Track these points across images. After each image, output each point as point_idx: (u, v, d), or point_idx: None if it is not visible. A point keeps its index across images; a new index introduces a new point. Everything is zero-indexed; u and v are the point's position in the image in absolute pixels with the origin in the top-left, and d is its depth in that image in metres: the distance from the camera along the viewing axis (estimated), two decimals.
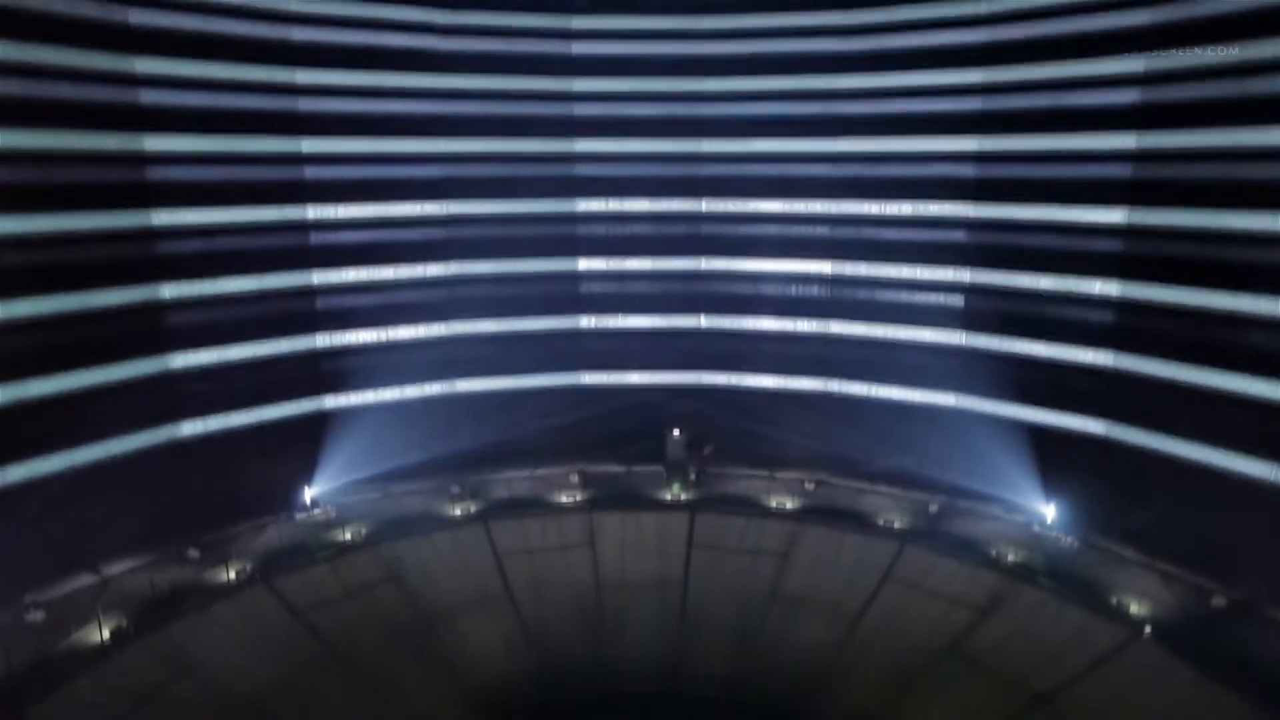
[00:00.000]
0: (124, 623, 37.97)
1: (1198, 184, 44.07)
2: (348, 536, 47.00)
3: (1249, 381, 42.57)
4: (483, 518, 49.14)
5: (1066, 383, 49.54)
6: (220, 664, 37.20)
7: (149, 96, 46.80)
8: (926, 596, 42.80)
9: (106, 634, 36.98)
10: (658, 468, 54.87)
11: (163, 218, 47.36)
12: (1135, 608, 39.12)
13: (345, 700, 37.40)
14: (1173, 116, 45.15)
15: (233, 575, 42.44)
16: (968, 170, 52.22)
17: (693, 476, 54.05)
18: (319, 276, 53.14)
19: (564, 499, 51.68)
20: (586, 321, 60.72)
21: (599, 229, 60.06)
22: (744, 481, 52.94)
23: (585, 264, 59.53)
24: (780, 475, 52.62)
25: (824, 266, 58.01)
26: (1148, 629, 37.38)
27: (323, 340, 54.23)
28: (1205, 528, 42.45)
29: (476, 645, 41.83)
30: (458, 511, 49.96)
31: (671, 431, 57.16)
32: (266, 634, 39.59)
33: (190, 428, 48.89)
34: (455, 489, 51.29)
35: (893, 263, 55.77)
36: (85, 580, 40.63)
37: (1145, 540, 42.72)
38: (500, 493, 51.97)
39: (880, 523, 48.39)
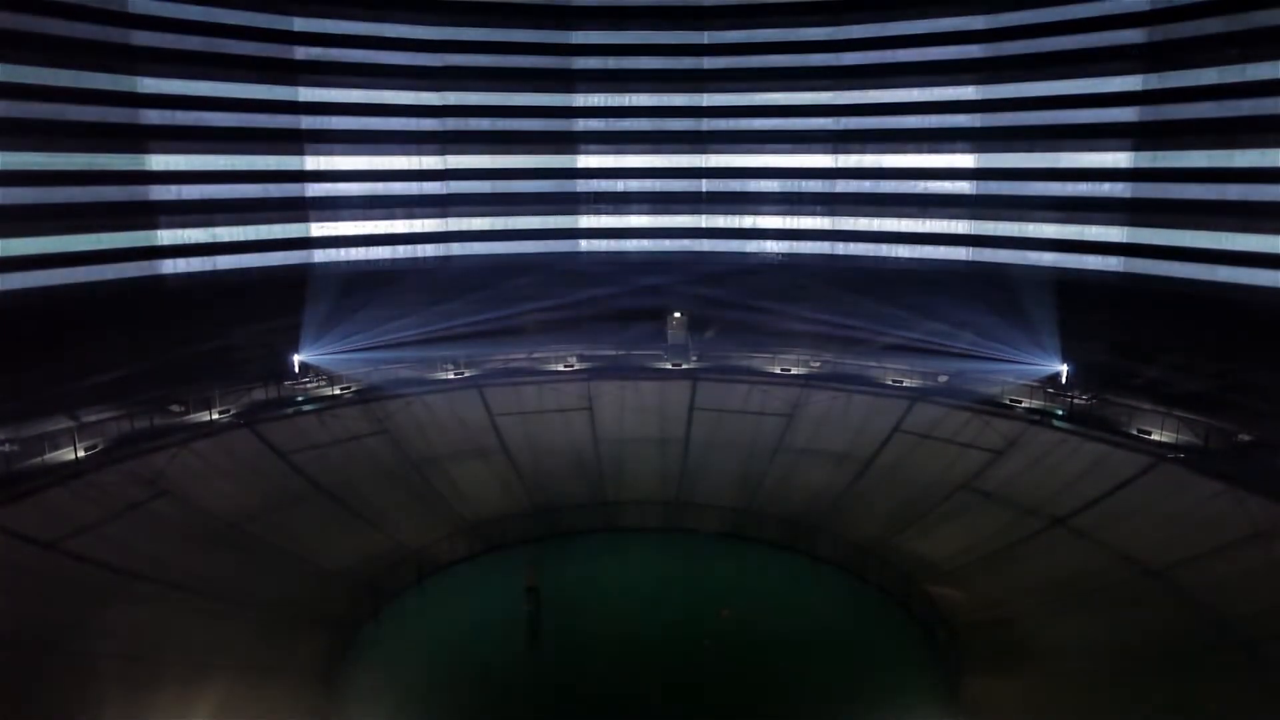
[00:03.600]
0: (100, 446, 36.45)
1: None
2: (336, 393, 45.63)
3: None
4: (476, 384, 47.71)
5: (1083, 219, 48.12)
6: (200, 489, 35.53)
7: None
8: (939, 443, 41.11)
9: (81, 453, 35.41)
10: (658, 351, 53.36)
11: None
12: (1158, 438, 37.55)
13: (330, 526, 35.77)
14: None
15: (215, 416, 40.91)
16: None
17: (694, 358, 52.59)
18: (307, 122, 51.41)
19: (560, 368, 50.33)
20: (584, 186, 59.07)
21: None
22: (748, 360, 51.48)
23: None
24: (785, 356, 51.21)
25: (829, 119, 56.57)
26: (1171, 455, 35.74)
27: (314, 191, 52.65)
28: (1229, 374, 40.77)
29: (469, 486, 40.19)
30: (451, 377, 48.68)
31: (672, 314, 55.70)
32: (249, 468, 37.93)
33: (171, 266, 46.95)
34: (449, 362, 50.06)
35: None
36: (60, 423, 39.07)
37: (1166, 390, 41.11)
38: (495, 365, 50.69)
39: (890, 383, 46.99)
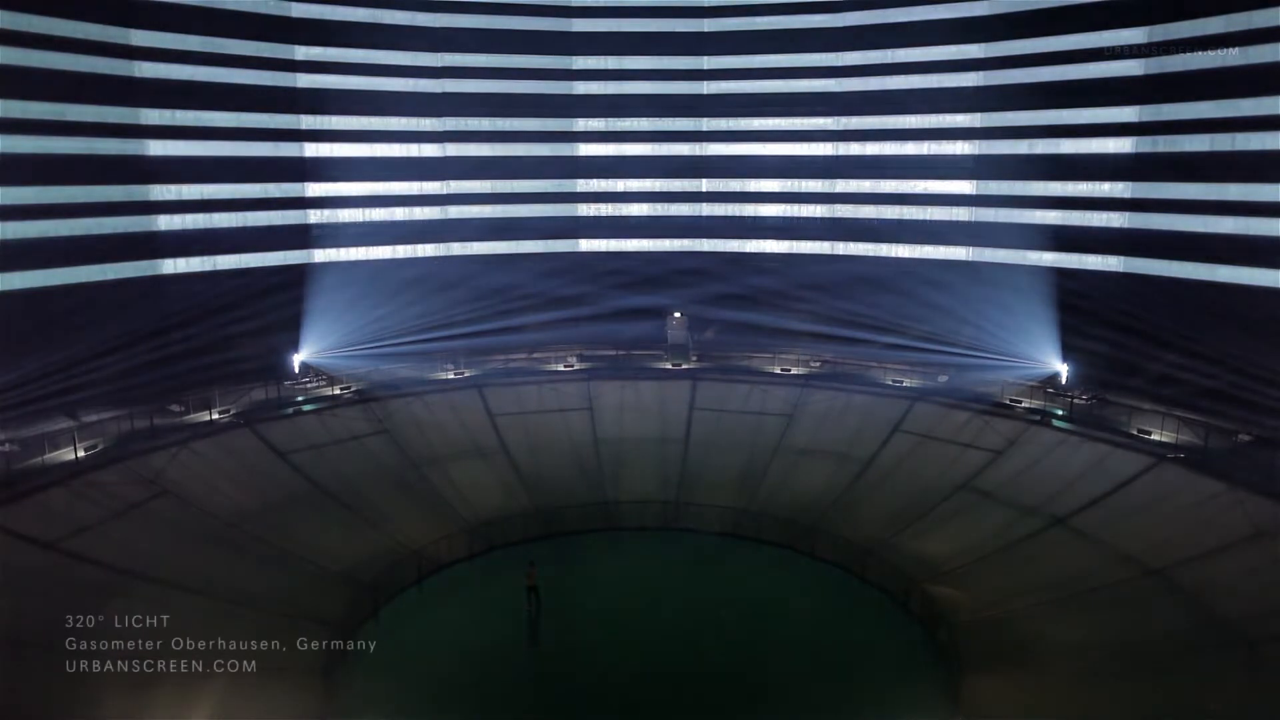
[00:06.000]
0: (100, 446, 36.46)
1: None
2: (336, 393, 45.63)
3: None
4: (477, 384, 47.72)
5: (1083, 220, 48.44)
6: (199, 489, 35.54)
7: None
8: (939, 443, 41.16)
9: (81, 453, 35.42)
10: (658, 351, 53.38)
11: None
12: (1158, 438, 37.57)
13: (330, 526, 35.74)
14: None
15: (215, 416, 40.91)
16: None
17: (694, 358, 52.60)
18: (307, 122, 51.49)
19: (560, 368, 50.38)
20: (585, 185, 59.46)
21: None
22: (748, 360, 51.53)
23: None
24: (784, 355, 51.23)
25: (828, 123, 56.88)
26: (1171, 455, 35.73)
27: (314, 190, 52.75)
28: (1229, 374, 40.69)
29: (469, 487, 40.15)
30: (451, 377, 48.71)
31: (672, 313, 55.76)
32: (248, 468, 37.93)
33: (171, 266, 46.99)
34: (449, 362, 50.10)
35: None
36: (60, 423, 39.08)
37: (1167, 391, 41.07)
38: (495, 365, 50.73)
39: (889, 382, 47.04)
